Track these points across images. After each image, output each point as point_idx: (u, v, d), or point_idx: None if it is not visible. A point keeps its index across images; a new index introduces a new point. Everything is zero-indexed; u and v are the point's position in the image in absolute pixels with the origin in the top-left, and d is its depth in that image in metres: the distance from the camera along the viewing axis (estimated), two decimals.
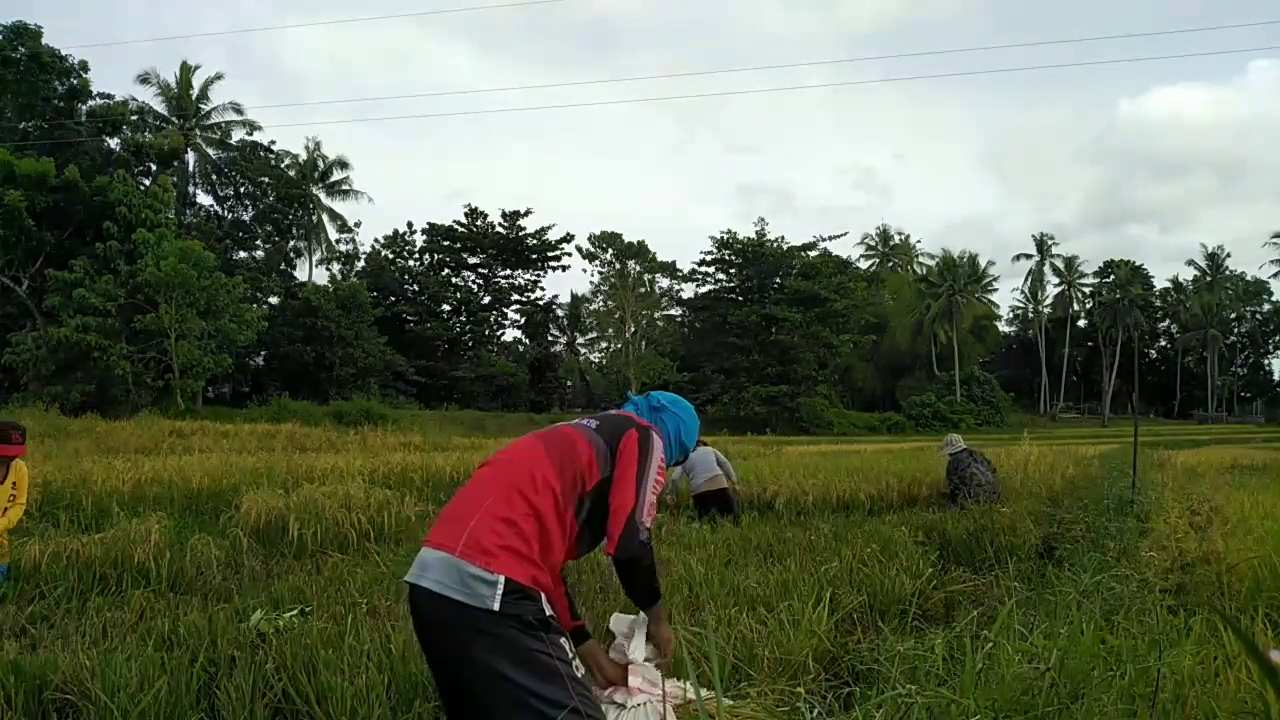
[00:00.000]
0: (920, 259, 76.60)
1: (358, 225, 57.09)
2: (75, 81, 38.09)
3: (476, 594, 2.12)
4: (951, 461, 9.29)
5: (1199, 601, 4.18)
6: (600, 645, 2.52)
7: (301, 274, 54.23)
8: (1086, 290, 74.62)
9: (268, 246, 51.22)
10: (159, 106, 46.01)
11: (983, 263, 71.08)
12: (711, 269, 61.40)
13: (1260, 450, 21.77)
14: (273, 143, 50.26)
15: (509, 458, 2.40)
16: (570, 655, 2.18)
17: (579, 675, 2.18)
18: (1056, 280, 75.31)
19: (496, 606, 2.10)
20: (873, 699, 2.77)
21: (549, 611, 2.19)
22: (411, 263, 60.36)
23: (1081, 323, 76.32)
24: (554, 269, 61.79)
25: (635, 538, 2.30)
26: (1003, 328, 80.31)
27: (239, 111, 48.00)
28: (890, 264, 77.07)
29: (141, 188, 35.57)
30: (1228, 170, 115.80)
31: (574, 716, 2.09)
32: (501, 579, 2.12)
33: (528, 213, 59.20)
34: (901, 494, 10.48)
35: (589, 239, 62.25)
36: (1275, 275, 71.50)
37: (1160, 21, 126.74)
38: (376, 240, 61.68)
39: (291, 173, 51.46)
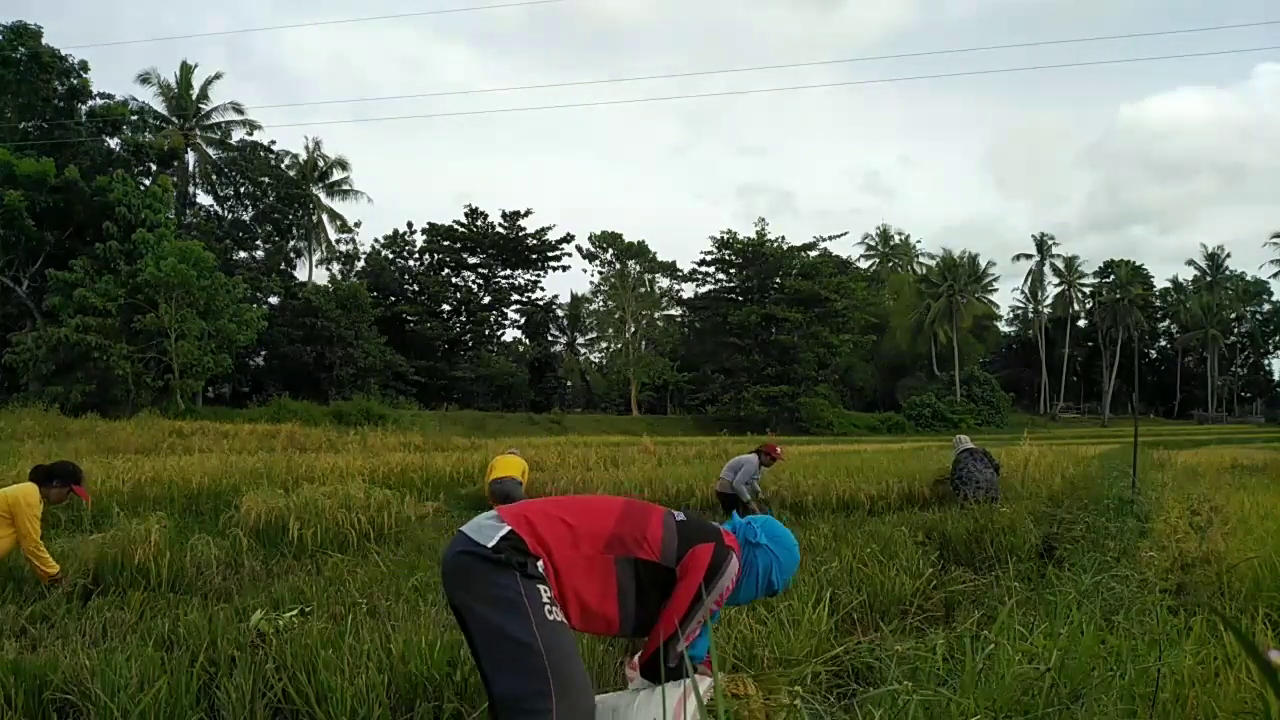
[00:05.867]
0: (920, 259, 76.62)
1: (358, 225, 57.07)
2: (75, 81, 38.04)
3: (482, 534, 2.26)
4: (955, 461, 9.50)
5: (1199, 601, 4.17)
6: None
7: (301, 274, 54.25)
8: (1086, 290, 74.54)
9: (268, 246, 51.13)
10: (159, 106, 45.92)
11: (983, 263, 71.06)
12: (712, 269, 61.44)
13: (1260, 450, 21.73)
14: (273, 143, 50.24)
15: (580, 497, 2.63)
16: (544, 600, 2.22)
17: (550, 618, 2.20)
18: (1057, 280, 75.31)
19: (490, 545, 2.22)
20: (871, 697, 2.78)
21: (540, 571, 2.26)
22: (411, 263, 60.31)
23: (1081, 323, 76.23)
24: (554, 269, 61.78)
25: (656, 665, 2.40)
26: (1003, 328, 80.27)
27: (239, 111, 47.98)
28: (890, 264, 77.01)
29: (141, 188, 35.50)
30: (1228, 171, 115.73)
31: (536, 654, 2.11)
32: (508, 528, 2.26)
33: (528, 213, 59.20)
34: (901, 494, 10.46)
35: (589, 239, 62.36)
36: (1275, 275, 71.47)
37: (1161, 23, 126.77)
38: (376, 240, 61.79)
39: (291, 173, 51.35)
